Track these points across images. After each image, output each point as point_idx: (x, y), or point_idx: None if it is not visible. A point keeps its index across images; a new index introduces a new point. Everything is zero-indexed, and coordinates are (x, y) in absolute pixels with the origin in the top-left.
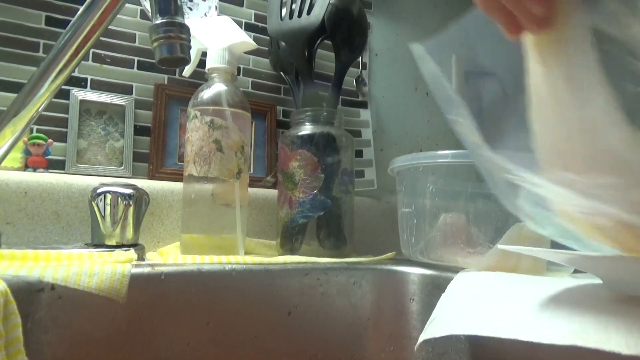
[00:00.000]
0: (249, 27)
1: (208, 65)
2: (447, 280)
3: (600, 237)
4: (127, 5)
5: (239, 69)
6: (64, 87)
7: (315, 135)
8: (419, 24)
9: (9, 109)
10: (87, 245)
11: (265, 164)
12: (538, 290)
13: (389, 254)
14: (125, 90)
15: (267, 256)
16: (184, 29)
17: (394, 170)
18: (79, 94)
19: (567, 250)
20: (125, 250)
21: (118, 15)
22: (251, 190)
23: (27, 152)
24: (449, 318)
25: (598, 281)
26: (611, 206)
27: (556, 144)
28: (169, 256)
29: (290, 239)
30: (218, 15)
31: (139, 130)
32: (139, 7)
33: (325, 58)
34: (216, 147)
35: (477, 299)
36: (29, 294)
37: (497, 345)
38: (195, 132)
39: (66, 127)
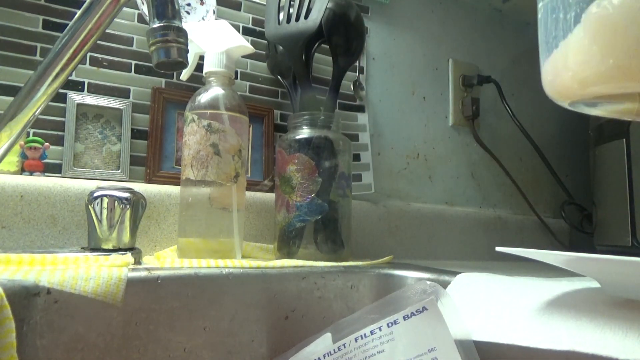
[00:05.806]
0: (246, 31)
1: (205, 69)
2: (445, 284)
3: None
4: (124, 8)
5: (236, 72)
6: (61, 90)
7: (313, 139)
8: (416, 28)
9: (5, 112)
10: (84, 249)
11: (262, 167)
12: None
13: (386, 258)
14: (123, 93)
15: (264, 260)
16: (182, 32)
17: None
18: (76, 97)
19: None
20: (122, 254)
21: (115, 19)
22: (248, 194)
23: (23, 156)
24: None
25: (596, 284)
26: None
27: None
28: (166, 260)
29: (287, 243)
30: (216, 19)
31: (136, 134)
32: (137, 11)
33: (323, 62)
34: (213, 150)
35: (474, 303)
36: (25, 298)
37: (494, 350)
38: (192, 136)
39: (63, 131)
